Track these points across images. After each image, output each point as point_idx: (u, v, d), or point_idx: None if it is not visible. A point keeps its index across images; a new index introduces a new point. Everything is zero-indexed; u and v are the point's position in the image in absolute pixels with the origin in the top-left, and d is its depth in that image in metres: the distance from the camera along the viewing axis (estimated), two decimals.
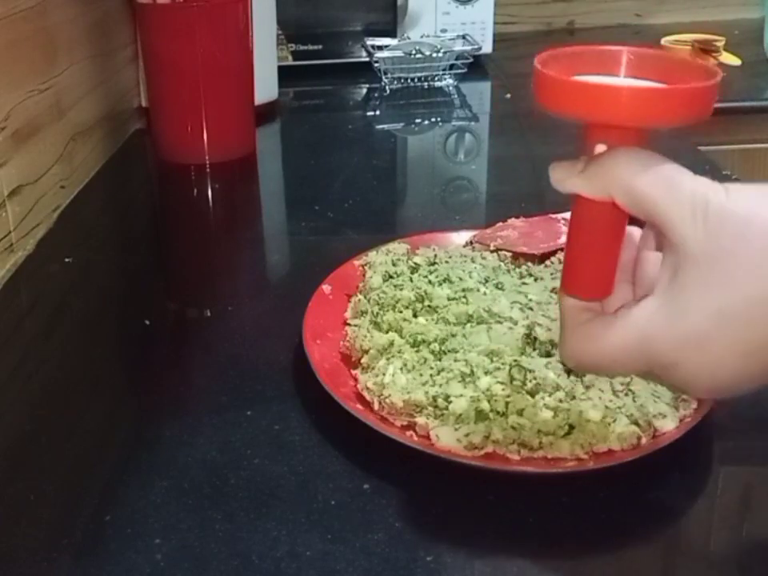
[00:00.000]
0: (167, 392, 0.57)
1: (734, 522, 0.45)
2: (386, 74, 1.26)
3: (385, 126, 1.17)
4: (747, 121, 1.18)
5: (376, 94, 1.27)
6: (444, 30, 1.34)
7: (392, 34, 1.33)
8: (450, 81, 1.27)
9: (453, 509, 0.46)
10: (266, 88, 1.12)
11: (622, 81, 0.39)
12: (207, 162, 0.98)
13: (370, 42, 1.30)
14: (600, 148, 0.38)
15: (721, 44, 1.26)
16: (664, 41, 1.29)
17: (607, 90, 0.36)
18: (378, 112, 1.22)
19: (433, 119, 1.17)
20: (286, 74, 1.19)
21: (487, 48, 1.36)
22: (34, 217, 0.79)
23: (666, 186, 0.35)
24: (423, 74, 1.26)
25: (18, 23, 0.77)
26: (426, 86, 1.27)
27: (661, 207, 0.35)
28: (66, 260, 0.76)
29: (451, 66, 1.26)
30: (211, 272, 0.77)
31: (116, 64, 1.07)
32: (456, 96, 1.25)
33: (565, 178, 0.38)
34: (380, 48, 1.27)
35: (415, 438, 0.49)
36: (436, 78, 1.26)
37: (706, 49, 1.25)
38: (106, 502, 0.47)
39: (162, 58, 0.96)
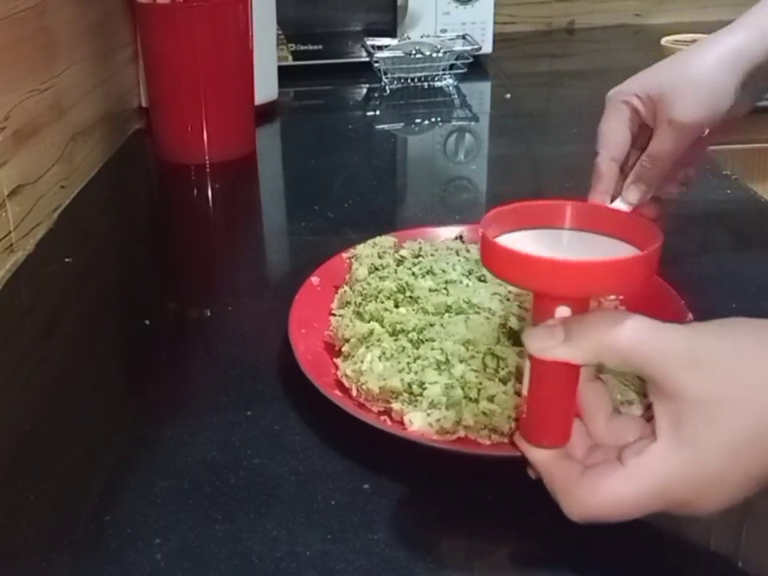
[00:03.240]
0: (167, 392, 0.58)
1: (735, 520, 0.45)
2: (386, 73, 1.26)
3: (385, 126, 1.17)
4: (747, 121, 1.18)
5: (376, 94, 1.27)
6: (444, 30, 1.34)
7: (392, 34, 1.33)
8: (450, 81, 1.27)
9: (453, 509, 0.46)
10: (266, 88, 1.12)
11: (567, 250, 0.41)
12: (207, 162, 0.98)
13: (370, 42, 1.30)
14: (563, 311, 0.39)
15: None
16: (664, 41, 1.29)
17: (552, 264, 0.37)
18: (377, 112, 1.22)
19: (433, 119, 1.17)
20: (286, 74, 1.19)
21: (487, 48, 1.36)
22: (34, 217, 0.79)
23: (655, 342, 0.37)
24: (423, 74, 1.26)
25: (18, 23, 0.77)
26: (426, 86, 1.27)
27: (656, 362, 0.37)
28: (66, 260, 0.76)
29: (451, 66, 1.26)
30: (211, 272, 0.77)
31: (116, 64, 1.07)
32: (456, 96, 1.25)
33: (548, 348, 0.38)
34: (380, 48, 1.27)
35: (389, 423, 0.50)
36: (436, 78, 1.26)
37: None
38: (106, 502, 0.47)
39: (162, 58, 0.96)
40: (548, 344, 0.38)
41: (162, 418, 0.54)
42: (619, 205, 0.63)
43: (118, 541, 0.44)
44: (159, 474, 0.49)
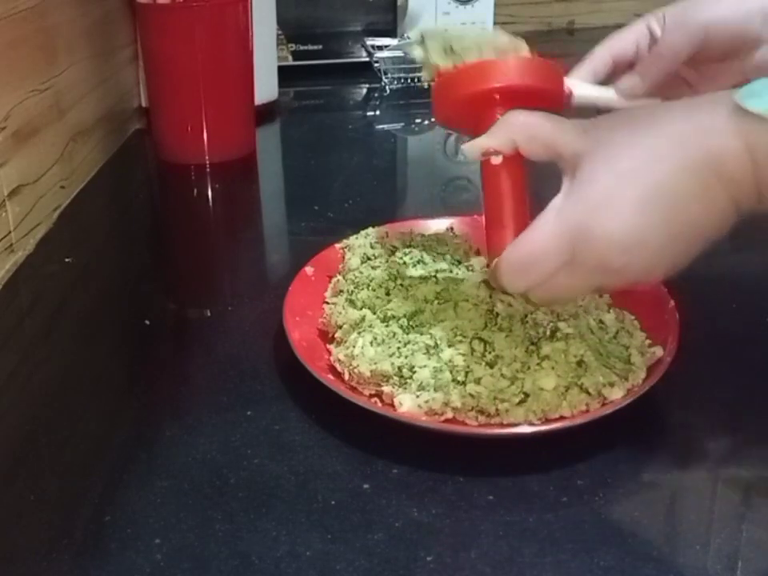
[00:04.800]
0: (167, 392, 0.58)
1: (735, 521, 0.45)
2: (386, 73, 1.26)
3: (385, 126, 1.17)
4: None
5: (376, 94, 1.27)
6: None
7: (392, 34, 1.32)
8: None
9: (454, 509, 0.46)
10: (266, 88, 1.12)
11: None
12: (207, 162, 0.98)
13: (370, 41, 1.30)
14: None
15: None
16: None
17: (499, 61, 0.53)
18: (378, 112, 1.22)
19: (433, 119, 1.16)
20: (286, 74, 1.19)
21: None
22: (34, 217, 0.79)
23: (555, 123, 0.48)
24: (423, 73, 1.26)
25: (18, 23, 0.77)
26: (426, 86, 1.27)
27: (556, 136, 0.47)
28: (66, 260, 0.75)
29: None
30: (211, 272, 0.77)
31: (116, 64, 1.07)
32: None
33: (473, 143, 0.50)
34: (380, 48, 1.27)
35: (380, 405, 0.51)
36: None
37: None
38: (106, 502, 0.47)
39: (162, 58, 0.96)
40: (472, 142, 0.50)
41: (162, 417, 0.54)
42: (608, 93, 0.62)
43: (118, 541, 0.44)
44: (159, 474, 0.49)
